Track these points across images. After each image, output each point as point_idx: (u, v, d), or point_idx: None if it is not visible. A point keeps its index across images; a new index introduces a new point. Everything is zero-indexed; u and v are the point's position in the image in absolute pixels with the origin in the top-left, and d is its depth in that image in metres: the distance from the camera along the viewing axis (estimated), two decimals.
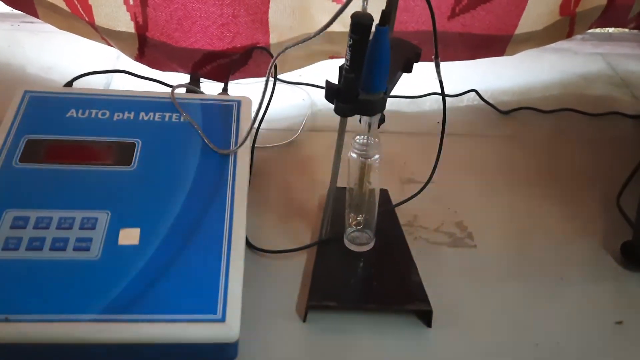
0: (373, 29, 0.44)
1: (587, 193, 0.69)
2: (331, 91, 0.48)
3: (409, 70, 0.51)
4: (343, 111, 0.48)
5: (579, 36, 0.93)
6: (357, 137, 0.52)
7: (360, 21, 0.42)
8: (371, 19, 0.43)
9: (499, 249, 0.62)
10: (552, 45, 0.82)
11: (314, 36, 0.48)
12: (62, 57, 0.83)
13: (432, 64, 0.53)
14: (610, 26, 0.90)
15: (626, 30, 0.93)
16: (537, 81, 0.88)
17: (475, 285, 0.58)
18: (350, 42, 0.44)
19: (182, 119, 0.61)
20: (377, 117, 0.50)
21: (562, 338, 0.54)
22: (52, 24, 0.76)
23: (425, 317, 0.53)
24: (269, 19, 0.69)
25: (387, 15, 0.43)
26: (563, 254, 0.62)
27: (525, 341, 0.53)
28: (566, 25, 0.80)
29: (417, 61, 0.52)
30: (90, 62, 0.81)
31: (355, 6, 0.44)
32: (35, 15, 0.76)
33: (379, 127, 0.52)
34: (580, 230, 0.64)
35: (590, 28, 0.83)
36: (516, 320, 0.55)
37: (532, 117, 0.81)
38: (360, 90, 0.47)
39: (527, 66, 0.89)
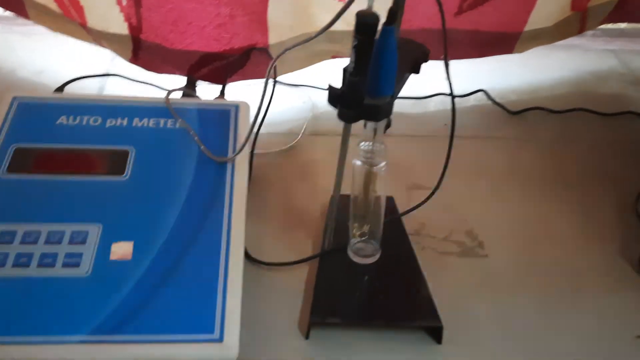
0: (379, 28, 0.41)
1: (602, 198, 0.66)
2: (334, 95, 0.45)
3: (416, 71, 0.48)
4: (347, 117, 0.45)
5: (590, 32, 0.90)
6: (362, 143, 0.49)
7: (366, 20, 0.40)
8: (377, 17, 0.40)
9: (511, 259, 0.59)
10: (563, 42, 0.79)
11: (315, 37, 0.46)
12: (55, 60, 0.81)
13: (437, 63, 0.50)
14: (623, 21, 0.87)
15: (639, 25, 0.89)
16: (547, 80, 0.85)
17: (487, 297, 0.55)
18: (355, 43, 0.41)
19: (177, 125, 0.58)
20: (383, 122, 0.47)
21: (579, 353, 0.51)
22: (43, 25, 0.73)
23: (435, 333, 0.51)
24: (267, 19, 0.67)
25: (395, 13, 0.40)
26: (578, 263, 0.59)
27: (541, 357, 0.50)
28: (577, 21, 0.77)
29: (425, 61, 0.49)
30: (85, 64, 0.78)
31: (358, 3, 0.41)
32: (26, 16, 0.73)
33: (385, 132, 0.49)
34: (596, 237, 0.62)
35: (602, 24, 0.80)
36: (530, 334, 0.52)
37: (542, 118, 0.78)
38: (365, 94, 0.44)
39: (536, 64, 0.86)
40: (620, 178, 0.69)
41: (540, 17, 0.74)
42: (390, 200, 0.61)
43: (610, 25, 0.91)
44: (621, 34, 0.95)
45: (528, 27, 0.74)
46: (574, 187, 0.67)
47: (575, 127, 0.77)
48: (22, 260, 0.47)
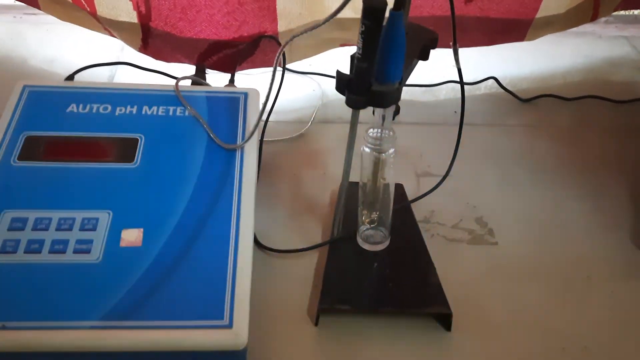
0: (387, 14, 0.40)
1: (614, 185, 0.66)
2: (342, 82, 0.45)
3: (425, 57, 0.48)
4: (355, 103, 0.45)
5: (602, 19, 0.89)
6: (370, 130, 0.49)
7: (373, 6, 0.39)
8: (385, 3, 0.40)
9: (522, 246, 0.59)
10: (575, 28, 0.78)
11: (323, 23, 0.45)
12: (66, 49, 0.81)
13: (447, 50, 0.50)
14: (636, 8, 0.85)
15: None
16: (559, 67, 0.84)
17: (496, 285, 0.55)
18: (363, 29, 0.41)
19: (186, 113, 0.58)
20: (391, 109, 0.47)
21: (590, 341, 0.51)
22: (53, 14, 0.73)
23: (445, 320, 0.51)
24: (276, 6, 0.66)
25: None
26: (590, 250, 0.59)
27: (552, 345, 0.50)
28: (590, 8, 0.76)
29: (433, 48, 0.49)
30: (95, 54, 0.78)
31: None
32: (36, 6, 0.74)
33: (393, 119, 0.49)
34: (607, 224, 0.61)
35: (615, 11, 0.79)
36: (541, 322, 0.52)
37: (554, 105, 0.77)
38: (373, 81, 0.44)
39: (548, 51, 0.85)
40: (632, 165, 0.68)
41: (552, 3, 0.72)
42: (399, 187, 0.61)
43: (623, 12, 0.90)
44: (634, 20, 0.93)
45: (540, 14, 0.73)
46: (585, 175, 0.67)
47: (587, 114, 0.76)
48: (34, 247, 0.47)
